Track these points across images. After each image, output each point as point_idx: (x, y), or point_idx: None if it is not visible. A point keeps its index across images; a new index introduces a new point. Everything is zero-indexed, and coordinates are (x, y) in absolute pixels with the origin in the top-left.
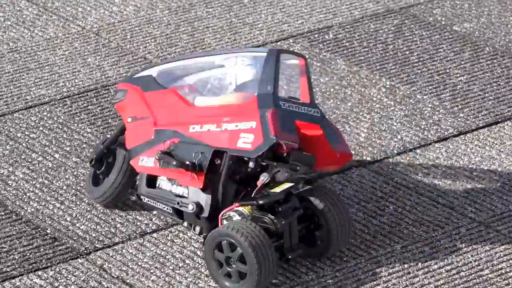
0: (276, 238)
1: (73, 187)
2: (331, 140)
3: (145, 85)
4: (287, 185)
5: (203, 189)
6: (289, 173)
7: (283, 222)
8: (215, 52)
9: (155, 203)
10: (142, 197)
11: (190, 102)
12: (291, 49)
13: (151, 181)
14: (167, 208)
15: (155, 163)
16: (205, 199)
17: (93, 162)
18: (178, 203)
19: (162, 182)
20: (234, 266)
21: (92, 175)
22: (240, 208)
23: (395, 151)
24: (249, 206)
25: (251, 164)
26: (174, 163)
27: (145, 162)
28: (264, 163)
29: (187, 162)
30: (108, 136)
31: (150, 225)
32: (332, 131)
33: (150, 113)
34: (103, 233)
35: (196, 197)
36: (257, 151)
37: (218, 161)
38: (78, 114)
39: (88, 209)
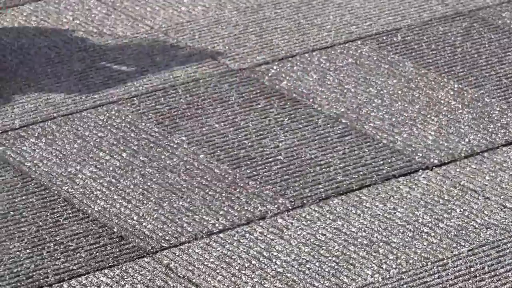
0: None
1: (140, 186)
2: None
3: None
4: None
5: None
6: None
7: None
8: None
9: None
10: None
11: None
12: (359, 51)
13: None
14: None
15: None
16: None
17: None
18: None
19: None
20: None
21: None
22: None
23: (463, 154)
24: None
25: None
26: None
27: None
28: None
29: None
30: None
31: (217, 225)
32: None
33: None
34: (169, 232)
35: None
36: None
37: None
38: (145, 113)
39: (155, 208)
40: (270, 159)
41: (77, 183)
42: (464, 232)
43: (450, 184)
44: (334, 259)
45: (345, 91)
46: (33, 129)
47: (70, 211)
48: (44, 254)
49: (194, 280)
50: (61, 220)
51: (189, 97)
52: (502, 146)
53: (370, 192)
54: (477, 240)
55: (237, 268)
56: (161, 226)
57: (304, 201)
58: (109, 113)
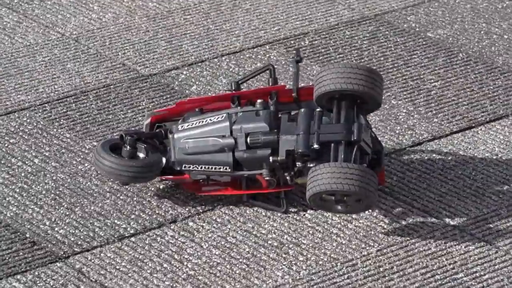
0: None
1: (52, 191)
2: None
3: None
4: None
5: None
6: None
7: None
8: None
9: (200, 122)
10: (180, 125)
11: None
12: (267, 55)
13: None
14: (218, 117)
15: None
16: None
17: (130, 137)
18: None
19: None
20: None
21: (110, 144)
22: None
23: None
24: None
25: None
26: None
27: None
28: None
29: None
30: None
31: (128, 229)
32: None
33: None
34: (81, 237)
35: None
36: None
37: None
38: (57, 120)
39: (67, 213)
40: None
41: None
42: (373, 232)
43: None
44: (244, 261)
45: None
46: None
47: None
48: None
49: (106, 284)
50: None
51: (100, 102)
52: (409, 147)
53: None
54: (386, 240)
55: (148, 271)
56: (73, 231)
57: (215, 204)
58: (20, 119)
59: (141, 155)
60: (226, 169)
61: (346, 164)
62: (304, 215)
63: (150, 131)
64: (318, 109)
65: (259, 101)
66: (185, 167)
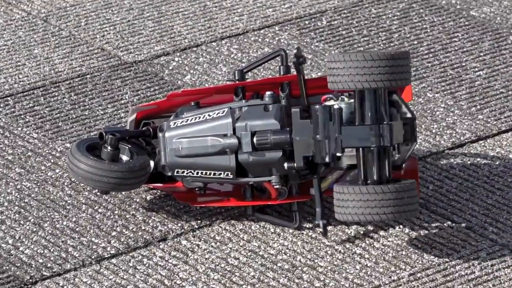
0: None
1: (16, 203)
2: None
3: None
4: None
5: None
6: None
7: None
8: None
9: (197, 117)
10: (172, 122)
11: None
12: (276, 38)
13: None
14: (218, 112)
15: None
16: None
17: (112, 136)
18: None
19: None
20: None
21: (88, 143)
22: None
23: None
24: None
25: None
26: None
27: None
28: None
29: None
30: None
31: (108, 248)
32: None
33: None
34: (52, 258)
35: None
36: None
37: None
38: (22, 116)
39: (34, 229)
40: None
41: None
42: (404, 253)
43: None
44: (249, 287)
45: None
46: None
47: None
48: None
49: None
50: None
51: (74, 95)
52: (449, 150)
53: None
54: (420, 262)
55: None
56: (42, 251)
57: (213, 219)
58: None
59: (125, 157)
60: (227, 175)
61: (380, 188)
62: (321, 231)
63: (135, 129)
64: (336, 105)
65: (268, 93)
66: (177, 172)
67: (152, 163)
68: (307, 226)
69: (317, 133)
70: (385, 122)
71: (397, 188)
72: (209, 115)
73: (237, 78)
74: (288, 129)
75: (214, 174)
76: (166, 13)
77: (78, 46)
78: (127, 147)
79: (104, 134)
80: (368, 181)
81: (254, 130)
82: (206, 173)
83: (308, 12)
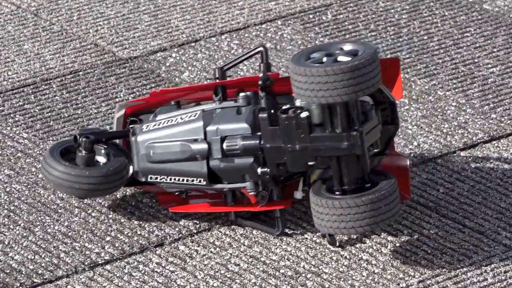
0: None
1: (5, 206)
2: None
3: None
4: None
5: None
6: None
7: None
8: None
9: (169, 121)
10: (145, 126)
11: None
12: (279, 33)
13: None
14: (191, 115)
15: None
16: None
17: (86, 139)
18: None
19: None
20: (337, 55)
21: (63, 147)
22: None
23: (411, 161)
24: None
25: None
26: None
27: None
28: None
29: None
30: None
31: (102, 254)
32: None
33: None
34: (43, 264)
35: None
36: None
37: None
38: (11, 115)
39: (24, 234)
40: None
41: None
42: (413, 258)
43: None
44: None
45: None
46: None
47: None
48: None
49: None
50: None
51: (66, 93)
52: (460, 151)
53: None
54: (430, 268)
55: None
56: (32, 257)
57: (212, 223)
58: None
59: (101, 159)
60: (200, 181)
61: (354, 202)
62: (328, 241)
63: (123, 126)
64: (304, 113)
65: (241, 94)
66: (151, 178)
67: (131, 166)
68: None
69: (287, 142)
70: (355, 128)
71: (372, 199)
72: (181, 118)
73: (217, 76)
74: (259, 134)
75: (187, 180)
76: (163, 7)
77: (70, 42)
78: (102, 149)
79: (77, 137)
80: (345, 187)
81: (225, 134)
82: (179, 179)
83: (312, 5)
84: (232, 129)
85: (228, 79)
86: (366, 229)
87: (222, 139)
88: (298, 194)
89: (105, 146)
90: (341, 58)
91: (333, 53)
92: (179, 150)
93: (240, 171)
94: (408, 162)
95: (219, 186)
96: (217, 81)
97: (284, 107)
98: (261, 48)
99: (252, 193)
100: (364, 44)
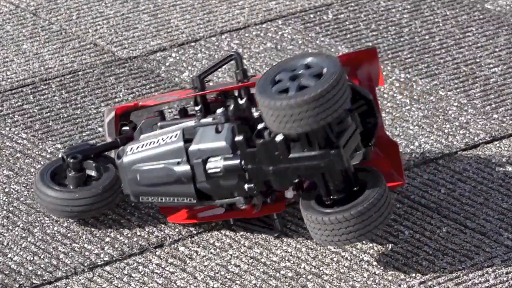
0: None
1: (4, 207)
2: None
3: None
4: None
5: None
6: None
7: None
8: None
9: (152, 143)
10: (129, 147)
11: None
12: (279, 33)
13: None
14: (172, 136)
15: (181, 95)
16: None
17: (73, 160)
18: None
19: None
20: (300, 79)
21: (53, 168)
22: None
23: (412, 162)
24: None
25: None
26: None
27: (165, 98)
28: None
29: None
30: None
31: (102, 255)
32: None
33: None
34: (42, 265)
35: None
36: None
37: None
38: (10, 115)
39: (23, 235)
40: None
41: None
42: (414, 259)
43: (396, 199)
44: None
45: None
46: None
47: None
48: None
49: None
50: None
51: (65, 93)
52: (462, 151)
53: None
54: (432, 269)
55: None
56: (31, 258)
57: (213, 224)
58: None
59: (94, 174)
60: (190, 200)
61: (343, 217)
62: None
63: (116, 129)
64: (279, 136)
65: (219, 111)
66: (142, 199)
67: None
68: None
69: (266, 164)
70: (333, 144)
71: (362, 211)
72: (163, 140)
73: (195, 86)
74: (239, 153)
75: (178, 199)
76: (163, 6)
77: (70, 41)
78: (93, 163)
79: (65, 157)
80: (334, 197)
81: (206, 155)
82: (170, 199)
83: (313, 5)
84: (212, 149)
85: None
86: (361, 239)
87: (204, 162)
88: (289, 194)
89: (95, 161)
90: (305, 81)
91: (297, 75)
92: (165, 173)
93: (228, 189)
94: (398, 147)
95: (210, 202)
96: (197, 91)
97: (259, 127)
98: (235, 55)
99: (244, 207)
100: (329, 59)
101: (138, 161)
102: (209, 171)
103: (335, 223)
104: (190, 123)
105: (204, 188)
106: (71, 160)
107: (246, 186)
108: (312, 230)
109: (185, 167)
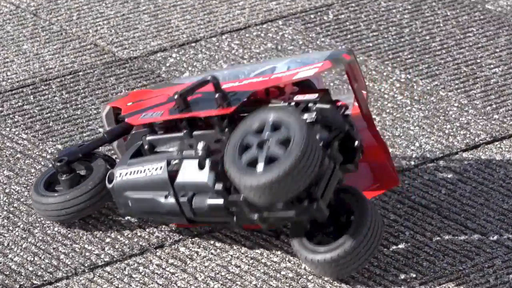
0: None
1: (5, 208)
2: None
3: (158, 86)
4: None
5: (217, 140)
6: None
7: (331, 157)
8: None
9: (138, 171)
10: (118, 172)
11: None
12: (280, 33)
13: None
14: (157, 168)
15: (165, 112)
16: (219, 147)
17: (60, 163)
18: (178, 153)
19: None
20: (268, 149)
21: (47, 177)
22: None
23: (412, 162)
24: None
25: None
26: (203, 83)
27: (150, 116)
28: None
29: (219, 89)
30: (86, 143)
31: (102, 256)
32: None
33: (164, 95)
34: (42, 266)
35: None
36: (320, 71)
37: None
38: (10, 116)
39: (24, 235)
40: None
41: None
42: (415, 260)
43: (397, 199)
44: None
45: None
46: None
47: None
48: None
49: None
50: None
51: (66, 94)
52: (462, 152)
53: None
54: (432, 270)
55: None
56: (32, 258)
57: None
58: None
59: (84, 173)
60: (184, 221)
61: (331, 258)
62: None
63: (115, 121)
64: None
65: (200, 145)
66: (138, 218)
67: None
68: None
69: (248, 211)
70: (311, 196)
71: (349, 251)
72: (149, 170)
73: (178, 106)
74: (223, 191)
75: (173, 221)
76: (163, 7)
77: (70, 42)
78: (82, 163)
79: (53, 163)
80: (324, 230)
81: (192, 191)
82: (165, 220)
83: (313, 5)
84: (196, 186)
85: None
86: (353, 272)
87: (190, 200)
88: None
89: (86, 160)
90: (273, 150)
91: (264, 141)
92: (154, 204)
93: (218, 219)
94: (387, 153)
95: (204, 224)
96: (183, 112)
97: None
98: (212, 80)
99: (237, 229)
100: (294, 119)
101: (127, 188)
102: (196, 210)
103: (324, 264)
104: (174, 153)
105: (194, 220)
106: (58, 164)
107: (234, 219)
108: (306, 263)
109: (173, 202)
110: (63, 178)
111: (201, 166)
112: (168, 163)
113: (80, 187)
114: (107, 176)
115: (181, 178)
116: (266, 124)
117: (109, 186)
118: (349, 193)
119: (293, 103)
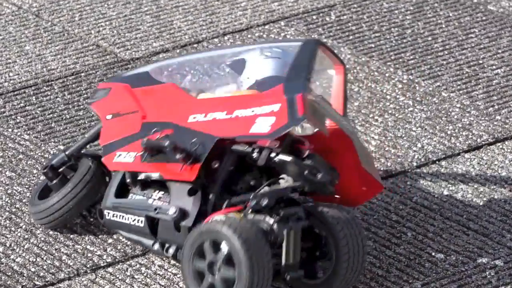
0: (273, 253)
1: (7, 208)
2: (364, 161)
3: (135, 82)
4: (291, 183)
5: (192, 191)
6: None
7: (283, 228)
8: (235, 46)
9: (123, 217)
10: (106, 211)
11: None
12: (282, 34)
13: (122, 192)
14: (139, 220)
15: (137, 158)
16: (191, 203)
17: (46, 170)
18: (155, 209)
19: (136, 191)
20: (218, 272)
21: (42, 187)
22: (231, 214)
23: (415, 163)
24: (241, 212)
25: (260, 160)
26: (165, 148)
27: (123, 158)
28: (274, 161)
29: (180, 148)
30: (72, 144)
31: (104, 256)
32: (365, 153)
33: (138, 107)
34: (44, 267)
35: (180, 202)
36: (277, 133)
37: (217, 165)
38: (13, 117)
39: (26, 236)
40: None
41: None
42: (417, 261)
43: (399, 200)
44: None
45: None
46: None
47: None
48: None
49: None
50: None
51: (68, 95)
52: (464, 153)
53: None
54: (434, 271)
55: None
56: (34, 259)
57: None
58: None
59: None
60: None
61: None
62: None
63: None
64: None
65: (173, 209)
66: None
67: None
68: None
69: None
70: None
71: (337, 285)
72: (132, 219)
73: (147, 153)
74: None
75: None
76: (165, 8)
77: (72, 42)
78: (68, 166)
79: (43, 171)
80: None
81: (175, 245)
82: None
83: (315, 6)
84: (178, 243)
85: None
86: None
87: (174, 255)
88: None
89: (75, 162)
90: (224, 273)
91: (213, 262)
92: (144, 245)
93: None
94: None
95: None
96: (151, 162)
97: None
98: (168, 145)
99: None
100: (230, 235)
101: (117, 227)
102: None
103: None
104: (152, 207)
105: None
106: (43, 171)
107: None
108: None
109: (158, 249)
110: (52, 184)
111: (177, 228)
112: (148, 217)
113: (61, 190)
114: (97, 211)
115: (161, 234)
116: (206, 248)
117: (101, 221)
118: (322, 223)
119: (255, 154)
